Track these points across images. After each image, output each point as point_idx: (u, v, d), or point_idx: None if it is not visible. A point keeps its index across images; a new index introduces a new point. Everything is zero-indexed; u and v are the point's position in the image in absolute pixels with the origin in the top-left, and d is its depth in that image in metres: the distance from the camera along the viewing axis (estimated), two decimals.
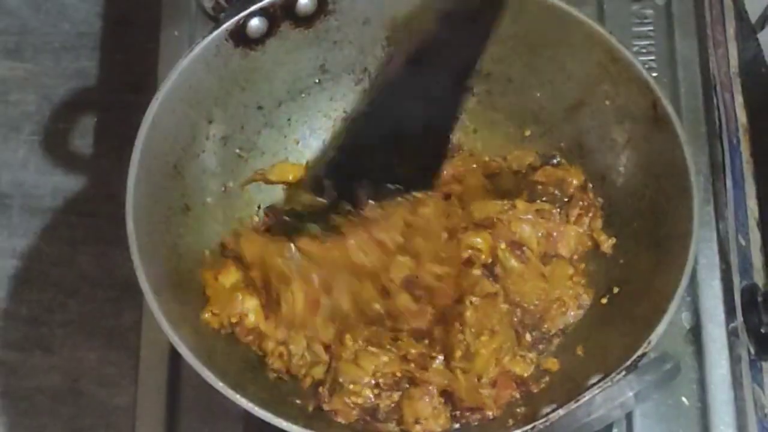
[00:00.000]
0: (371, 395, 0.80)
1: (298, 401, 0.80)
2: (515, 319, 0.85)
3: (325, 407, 0.80)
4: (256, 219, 0.90)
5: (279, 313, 0.83)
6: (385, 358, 0.81)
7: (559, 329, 0.85)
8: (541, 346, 0.85)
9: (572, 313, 0.85)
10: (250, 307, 0.83)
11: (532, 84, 0.89)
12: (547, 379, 0.82)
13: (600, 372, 0.74)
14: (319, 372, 0.82)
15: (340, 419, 0.79)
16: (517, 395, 0.81)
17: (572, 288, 0.86)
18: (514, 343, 0.84)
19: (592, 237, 0.87)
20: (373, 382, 0.80)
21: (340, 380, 0.80)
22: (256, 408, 0.71)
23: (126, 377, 0.98)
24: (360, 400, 0.80)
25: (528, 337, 0.85)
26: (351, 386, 0.80)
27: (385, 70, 0.87)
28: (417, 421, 0.79)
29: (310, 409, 0.80)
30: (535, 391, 0.81)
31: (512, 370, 0.82)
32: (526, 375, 0.82)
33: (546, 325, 0.85)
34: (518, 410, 0.80)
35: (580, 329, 0.85)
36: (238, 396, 0.71)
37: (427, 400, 0.79)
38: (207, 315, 0.82)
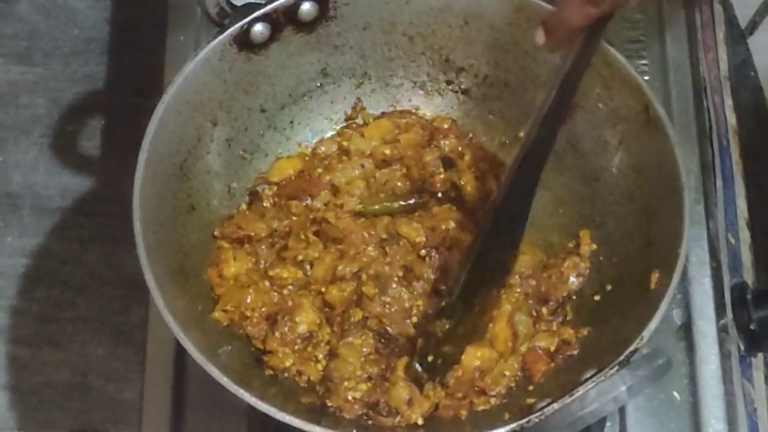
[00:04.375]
0: (366, 387, 0.81)
1: (303, 400, 0.81)
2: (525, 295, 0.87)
3: (329, 403, 0.80)
4: (243, 207, 0.91)
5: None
6: (366, 349, 0.82)
7: (564, 296, 0.86)
8: (559, 319, 0.86)
9: (573, 280, 0.86)
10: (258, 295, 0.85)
11: (527, 87, 0.91)
12: (578, 345, 0.83)
13: (594, 367, 0.74)
14: (313, 371, 0.82)
15: (345, 415, 0.80)
16: (553, 365, 0.83)
17: (567, 258, 0.87)
18: (529, 326, 0.85)
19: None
20: (365, 375, 0.81)
21: (334, 378, 0.81)
22: (260, 402, 0.71)
23: (133, 372, 0.98)
24: (359, 395, 0.80)
25: (544, 310, 0.86)
26: (345, 383, 0.80)
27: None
28: (408, 405, 0.80)
29: (318, 404, 0.80)
30: (574, 353, 0.82)
31: (537, 345, 0.84)
32: (552, 348, 0.84)
33: (552, 297, 0.86)
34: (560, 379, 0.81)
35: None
36: (242, 391, 0.72)
37: (402, 384, 0.80)
38: (217, 313, 0.83)
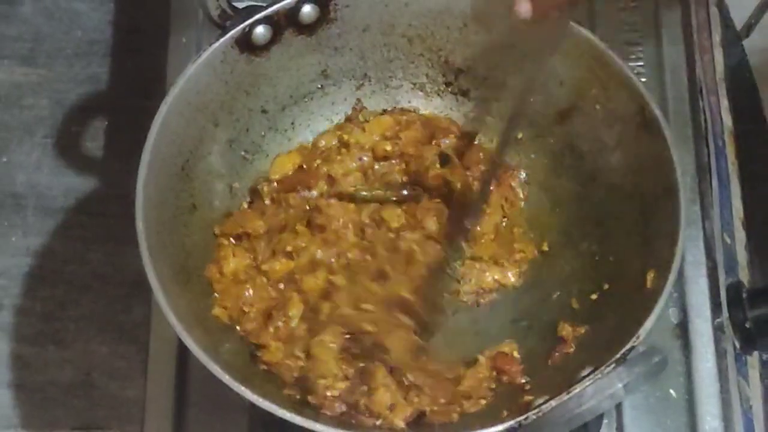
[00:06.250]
0: (344, 386, 0.81)
1: (286, 392, 0.81)
2: None
3: (311, 400, 0.80)
4: (244, 205, 0.91)
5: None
6: (333, 345, 0.82)
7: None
8: None
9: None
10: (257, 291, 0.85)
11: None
12: (575, 343, 0.83)
13: (591, 365, 0.75)
14: (295, 368, 0.82)
15: (326, 412, 0.80)
16: (523, 366, 0.83)
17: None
18: None
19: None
20: (341, 375, 0.81)
21: (311, 376, 0.81)
22: (261, 400, 0.72)
23: (136, 371, 0.98)
24: (337, 393, 0.80)
25: None
26: (322, 381, 0.80)
27: None
28: (391, 410, 0.80)
29: (298, 397, 0.81)
30: (571, 351, 0.83)
31: (499, 351, 0.85)
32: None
33: None
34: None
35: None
36: (243, 389, 0.72)
37: (384, 389, 0.80)
38: (217, 310, 0.84)
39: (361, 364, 0.82)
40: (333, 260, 0.87)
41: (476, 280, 0.90)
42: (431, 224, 0.89)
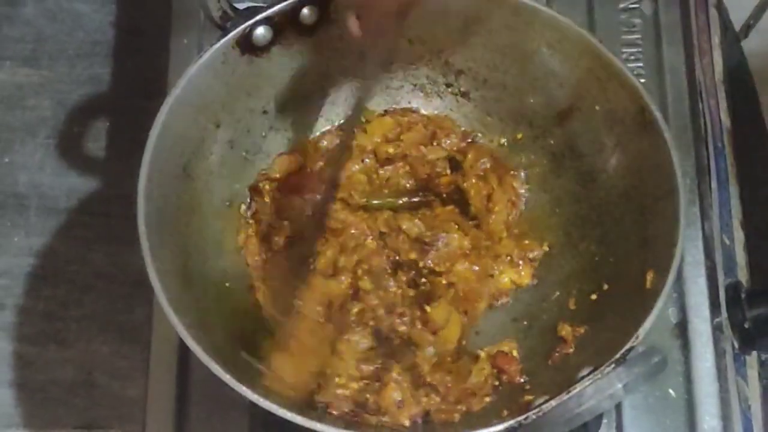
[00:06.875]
0: (357, 386, 0.81)
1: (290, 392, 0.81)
2: None
3: (318, 398, 0.81)
4: (243, 207, 0.92)
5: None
6: (365, 343, 0.83)
7: None
8: None
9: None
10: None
11: (525, 90, 0.92)
12: (575, 343, 0.84)
13: (590, 365, 0.75)
14: None
15: (332, 411, 0.80)
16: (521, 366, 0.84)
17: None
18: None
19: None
20: (358, 374, 0.82)
21: (327, 374, 0.81)
22: (262, 399, 0.72)
23: (137, 370, 0.98)
24: (348, 392, 0.81)
25: None
26: (337, 379, 0.81)
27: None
28: (398, 407, 0.80)
29: (306, 399, 0.81)
30: (571, 351, 0.83)
31: (502, 350, 0.85)
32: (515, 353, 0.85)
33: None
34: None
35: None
36: (244, 388, 0.72)
37: (395, 385, 0.81)
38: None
39: (380, 362, 0.82)
40: (357, 268, 0.87)
41: (494, 282, 0.90)
42: (453, 232, 0.89)
